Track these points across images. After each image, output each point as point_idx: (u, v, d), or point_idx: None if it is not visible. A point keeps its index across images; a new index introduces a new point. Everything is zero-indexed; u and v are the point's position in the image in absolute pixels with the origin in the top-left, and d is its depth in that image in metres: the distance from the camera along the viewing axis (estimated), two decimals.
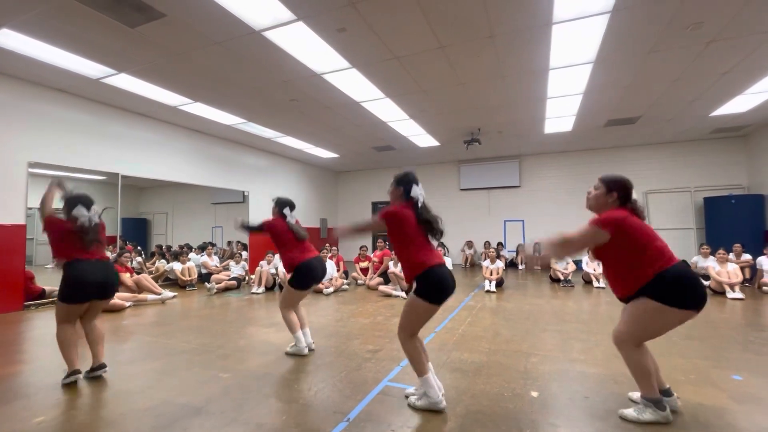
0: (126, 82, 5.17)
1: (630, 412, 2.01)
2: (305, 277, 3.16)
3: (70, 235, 2.57)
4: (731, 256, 6.39)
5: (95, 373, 2.65)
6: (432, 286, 2.10)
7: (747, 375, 2.59)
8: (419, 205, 2.26)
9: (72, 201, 2.65)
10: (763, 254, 6.04)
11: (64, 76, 4.94)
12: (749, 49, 4.44)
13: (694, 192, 8.97)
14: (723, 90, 5.74)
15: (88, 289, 2.56)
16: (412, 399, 2.19)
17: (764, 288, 5.79)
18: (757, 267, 6.11)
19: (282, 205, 3.33)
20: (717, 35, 4.11)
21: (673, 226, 9.02)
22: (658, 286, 1.85)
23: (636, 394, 2.11)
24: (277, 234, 3.23)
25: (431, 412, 2.12)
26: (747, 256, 6.54)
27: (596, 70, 4.95)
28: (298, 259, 3.14)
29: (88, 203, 2.68)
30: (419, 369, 2.14)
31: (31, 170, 5.15)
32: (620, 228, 1.90)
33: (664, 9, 3.63)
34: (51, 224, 2.60)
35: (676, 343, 3.23)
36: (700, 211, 8.78)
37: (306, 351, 3.14)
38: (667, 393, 2.07)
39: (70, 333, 2.61)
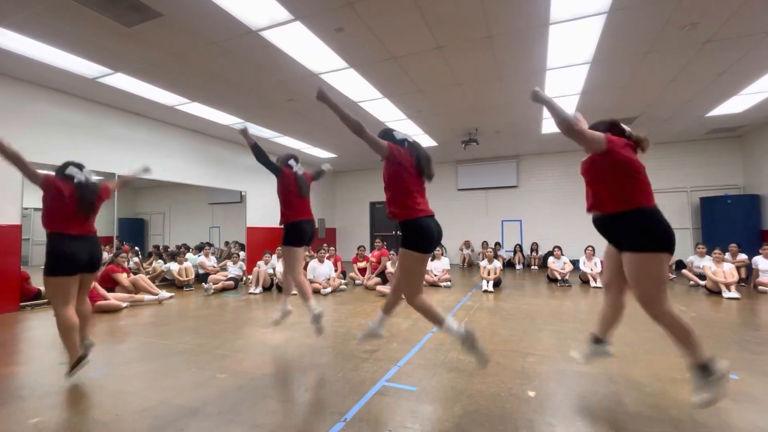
0: (123, 81, 5.15)
1: (703, 397, 1.88)
2: (296, 233, 3.25)
3: (64, 200, 2.50)
4: (727, 255, 6.42)
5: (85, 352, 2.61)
6: (419, 235, 2.22)
7: (743, 374, 2.60)
8: (414, 144, 2.44)
9: (62, 166, 2.65)
10: (759, 254, 6.08)
11: (60, 75, 4.92)
12: (745, 50, 4.46)
13: (691, 192, 9.01)
14: (719, 90, 5.77)
15: (75, 259, 2.50)
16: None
17: (760, 288, 5.83)
18: (753, 267, 6.14)
19: (286, 158, 3.42)
20: (713, 36, 4.13)
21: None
22: (645, 220, 1.94)
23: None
24: (284, 183, 3.27)
25: (428, 412, 2.12)
26: (743, 256, 6.57)
27: (593, 70, 4.97)
28: (292, 217, 3.25)
29: (79, 165, 2.69)
30: (437, 320, 2.28)
31: None
32: (617, 146, 1.98)
33: (661, 9, 3.65)
34: (48, 183, 2.51)
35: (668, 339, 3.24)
36: (697, 211, 8.83)
37: (319, 313, 3.16)
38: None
39: (72, 316, 2.51)
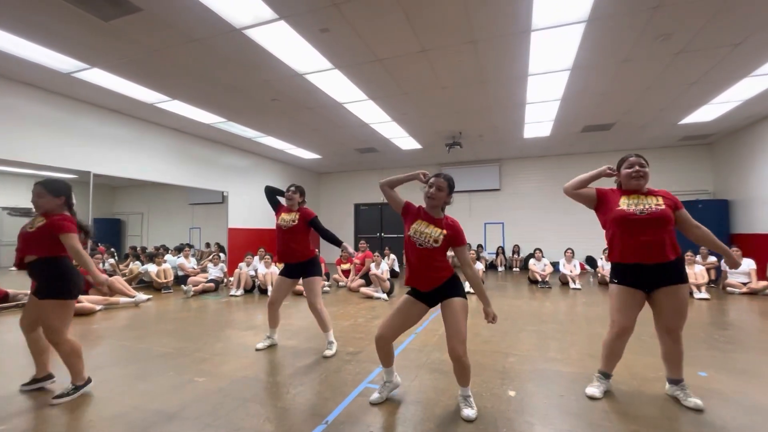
0: (99, 77, 4.99)
1: (695, 401, 2.14)
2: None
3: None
4: (698, 258, 6.68)
5: (40, 384, 2.47)
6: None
7: (712, 371, 2.71)
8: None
9: (67, 188, 2.45)
10: None
11: (32, 69, 4.73)
12: (714, 61, 4.67)
13: None
14: (690, 99, 6.01)
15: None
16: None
17: (728, 289, 6.08)
18: (722, 269, 6.41)
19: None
20: (685, 47, 4.31)
21: None
22: (682, 264, 2.16)
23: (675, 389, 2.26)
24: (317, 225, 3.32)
25: (410, 413, 2.12)
26: (712, 258, 6.86)
27: (573, 77, 5.11)
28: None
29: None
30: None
31: None
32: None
33: (636, 20, 3.78)
34: (70, 221, 2.38)
35: (645, 341, 3.35)
36: None
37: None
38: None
39: (74, 339, 2.40)
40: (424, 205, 2.23)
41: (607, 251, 2.33)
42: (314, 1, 3.45)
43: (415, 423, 2.02)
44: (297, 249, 3.22)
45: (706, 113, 6.68)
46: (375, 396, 2.27)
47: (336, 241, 3.25)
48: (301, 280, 3.30)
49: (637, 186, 2.23)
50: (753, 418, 2.06)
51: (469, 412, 2.06)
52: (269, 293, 3.59)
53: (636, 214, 2.13)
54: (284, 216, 3.26)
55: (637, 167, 2.23)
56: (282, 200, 3.41)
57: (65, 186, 2.45)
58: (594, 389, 2.33)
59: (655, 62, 4.71)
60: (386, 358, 2.26)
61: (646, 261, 2.10)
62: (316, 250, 3.40)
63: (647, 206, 2.14)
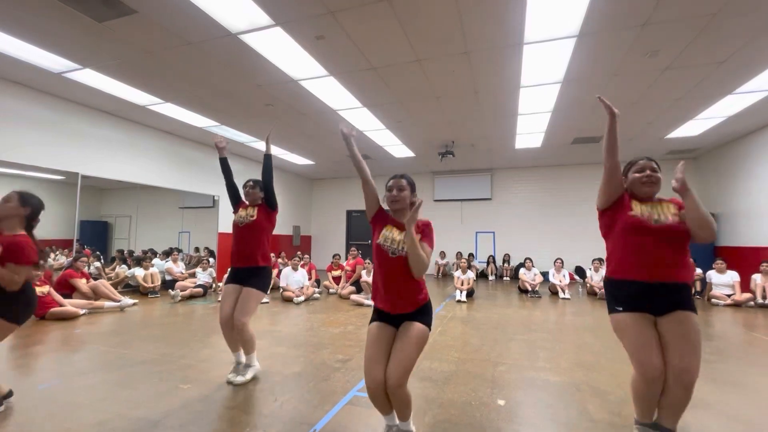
0: (91, 78, 4.94)
1: None
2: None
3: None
4: None
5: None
6: None
7: (698, 382, 2.73)
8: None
9: (38, 203, 2.26)
10: (713, 269, 6.47)
11: (22, 68, 4.66)
12: (699, 78, 4.81)
13: None
14: (676, 114, 6.16)
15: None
16: None
17: (713, 300, 6.19)
18: (707, 280, 6.52)
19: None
20: (671, 63, 4.43)
21: None
22: (690, 292, 1.82)
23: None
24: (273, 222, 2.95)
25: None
26: (698, 271, 6.97)
27: (564, 89, 5.21)
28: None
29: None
30: None
31: None
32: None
33: (625, 36, 3.89)
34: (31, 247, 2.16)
35: None
36: None
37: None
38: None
39: None
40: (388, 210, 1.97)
41: (605, 263, 1.92)
42: (310, 9, 3.48)
43: None
44: (250, 250, 2.76)
45: (692, 128, 6.85)
46: None
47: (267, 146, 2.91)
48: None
49: (649, 193, 1.91)
50: (735, 427, 2.08)
51: None
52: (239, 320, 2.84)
53: (651, 223, 1.80)
54: (241, 212, 2.86)
55: (648, 172, 1.91)
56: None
57: (38, 201, 2.28)
58: None
59: (643, 77, 4.83)
60: (385, 404, 1.78)
61: (654, 278, 1.76)
62: (273, 260, 2.98)
63: (663, 215, 1.83)
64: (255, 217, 2.80)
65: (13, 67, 4.67)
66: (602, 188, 1.94)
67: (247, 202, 2.95)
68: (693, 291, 6.01)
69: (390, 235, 1.84)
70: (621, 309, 1.83)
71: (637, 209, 1.86)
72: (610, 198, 1.93)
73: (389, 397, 1.74)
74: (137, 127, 6.88)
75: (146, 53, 4.30)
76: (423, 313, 1.83)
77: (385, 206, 1.99)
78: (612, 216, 1.92)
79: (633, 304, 1.80)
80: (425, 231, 1.87)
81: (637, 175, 1.94)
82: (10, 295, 2.09)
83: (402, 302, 1.80)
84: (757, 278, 6.08)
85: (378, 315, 1.88)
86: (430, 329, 1.83)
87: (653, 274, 1.76)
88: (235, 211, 2.92)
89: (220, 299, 2.87)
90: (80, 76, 4.90)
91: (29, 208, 2.22)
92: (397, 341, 1.78)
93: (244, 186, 2.95)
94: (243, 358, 2.78)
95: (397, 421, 1.84)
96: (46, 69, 4.70)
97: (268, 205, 2.90)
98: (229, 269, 2.89)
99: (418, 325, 1.78)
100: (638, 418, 1.88)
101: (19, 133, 5.18)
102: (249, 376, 2.69)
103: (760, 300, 5.88)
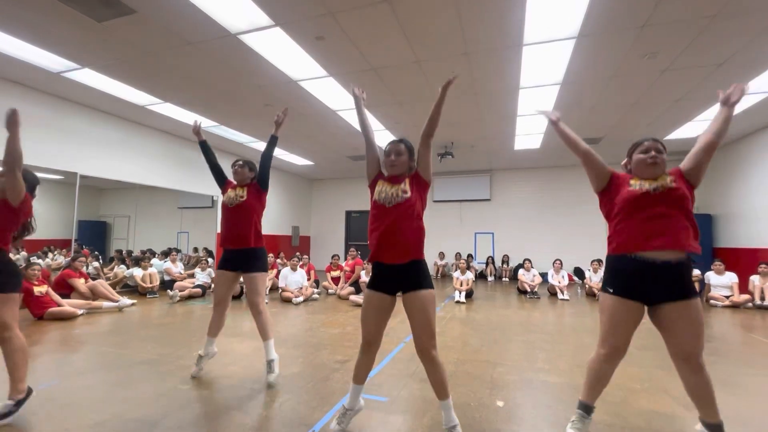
0: (90, 77, 4.93)
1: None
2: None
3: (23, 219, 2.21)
4: None
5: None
6: None
7: None
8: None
9: (32, 178, 2.28)
10: (711, 270, 6.48)
11: (21, 68, 4.66)
12: (698, 80, 4.83)
13: None
14: (675, 116, 6.18)
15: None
16: None
17: (711, 301, 6.20)
18: (705, 282, 6.53)
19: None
20: (670, 65, 4.45)
21: None
22: (690, 271, 1.79)
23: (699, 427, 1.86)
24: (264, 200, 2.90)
25: (398, 423, 2.10)
26: (696, 272, 6.97)
27: (563, 91, 5.22)
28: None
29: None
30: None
31: None
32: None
33: (624, 38, 3.90)
34: (27, 202, 2.21)
35: (631, 353, 3.36)
36: None
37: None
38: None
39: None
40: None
41: (607, 244, 1.92)
42: (310, 9, 3.48)
43: None
44: (243, 232, 2.73)
45: (690, 130, 6.87)
46: (334, 426, 1.96)
47: (273, 141, 2.95)
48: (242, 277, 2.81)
49: (654, 175, 1.84)
50: (733, 427, 2.09)
51: None
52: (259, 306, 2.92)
53: (650, 191, 1.77)
54: (230, 193, 2.80)
55: (653, 153, 1.84)
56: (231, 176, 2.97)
57: (33, 176, 2.28)
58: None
59: (642, 79, 4.84)
60: (366, 369, 1.98)
61: (657, 247, 1.71)
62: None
63: (661, 184, 1.79)
64: (245, 198, 2.77)
65: (11, 67, 4.66)
66: (588, 173, 2.00)
67: (235, 182, 2.90)
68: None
69: (384, 189, 1.95)
70: (611, 291, 1.84)
71: (636, 184, 1.84)
72: (597, 177, 1.96)
73: (425, 366, 1.87)
74: (136, 126, 6.88)
75: (145, 53, 4.29)
76: (422, 274, 1.90)
77: (385, 172, 2.08)
78: (610, 195, 1.92)
79: (626, 288, 1.79)
80: (418, 175, 2.06)
81: (642, 155, 1.88)
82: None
83: (400, 248, 1.87)
84: (755, 279, 6.09)
85: (376, 278, 1.95)
86: (433, 288, 1.90)
87: (652, 243, 1.72)
88: (224, 192, 2.87)
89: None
90: (79, 76, 4.90)
91: (25, 183, 2.22)
92: (413, 314, 1.86)
93: (233, 165, 2.90)
94: (215, 347, 2.84)
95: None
96: (45, 68, 4.69)
97: (260, 185, 2.86)
98: (223, 252, 2.83)
99: (424, 292, 1.86)
100: (581, 398, 1.94)
101: None
102: (276, 370, 2.68)
103: (758, 301, 5.90)
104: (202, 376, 2.78)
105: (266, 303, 5.91)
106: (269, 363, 2.69)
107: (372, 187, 2.05)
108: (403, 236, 1.88)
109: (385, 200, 1.91)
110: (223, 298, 2.78)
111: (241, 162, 2.88)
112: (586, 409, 1.92)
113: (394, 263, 1.89)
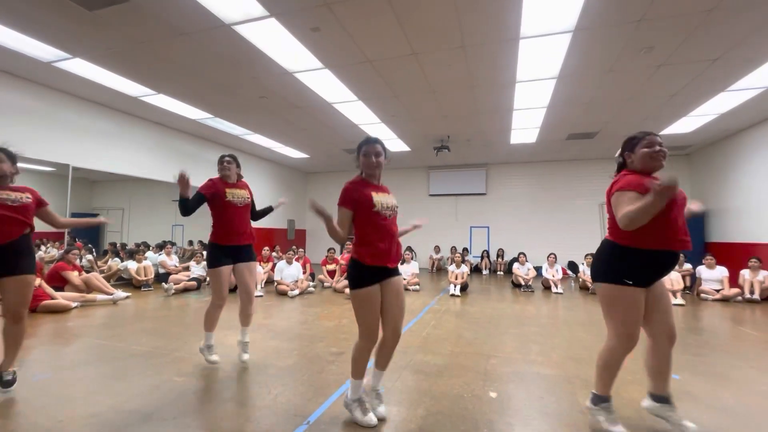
0: (81, 67, 4.85)
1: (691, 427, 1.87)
2: None
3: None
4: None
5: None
6: None
7: (685, 374, 2.79)
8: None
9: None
10: (702, 264, 6.56)
11: (10, 57, 4.57)
12: (693, 75, 4.84)
13: None
14: (671, 111, 6.21)
15: None
16: None
17: (702, 295, 6.29)
18: (697, 276, 6.62)
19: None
20: (666, 60, 4.45)
21: None
22: None
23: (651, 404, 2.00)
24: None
25: (392, 414, 2.12)
26: (688, 266, 7.07)
27: (559, 85, 5.21)
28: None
29: None
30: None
31: None
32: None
33: (620, 32, 3.89)
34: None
35: None
36: None
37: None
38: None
39: None
40: (363, 177, 2.08)
41: (608, 231, 1.93)
42: (305, 0, 3.43)
43: (397, 423, 2.02)
44: (249, 229, 2.95)
45: (685, 125, 6.91)
46: (370, 418, 1.98)
47: (267, 211, 3.22)
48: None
49: (658, 168, 1.86)
50: (723, 419, 2.13)
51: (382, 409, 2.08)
52: (254, 294, 3.17)
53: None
54: (235, 191, 2.87)
55: (658, 147, 1.87)
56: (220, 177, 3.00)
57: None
58: (619, 428, 1.89)
59: (638, 73, 4.85)
60: (365, 365, 2.06)
61: (679, 246, 1.78)
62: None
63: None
64: (250, 198, 3.00)
65: (0, 56, 4.56)
66: (645, 219, 1.66)
67: (229, 181, 2.94)
68: (684, 286, 6.12)
69: (381, 200, 2.02)
70: (631, 283, 1.80)
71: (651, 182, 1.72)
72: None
73: (390, 349, 2.05)
74: (129, 118, 6.79)
75: (138, 43, 4.22)
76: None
77: (365, 173, 2.12)
78: (641, 198, 1.74)
79: (648, 280, 1.82)
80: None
81: (647, 150, 1.88)
82: (30, 249, 2.35)
83: (397, 255, 2.07)
84: (745, 274, 6.18)
85: (372, 275, 1.98)
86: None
87: (677, 242, 1.78)
88: (217, 191, 2.86)
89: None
90: (70, 66, 4.81)
91: (17, 166, 2.39)
92: (391, 297, 2.01)
93: (221, 160, 2.92)
94: (212, 341, 2.91)
95: (380, 387, 2.15)
96: (35, 58, 4.60)
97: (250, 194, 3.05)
98: (218, 249, 2.85)
99: (399, 278, 2.09)
100: (600, 391, 1.98)
101: (7, 124, 5.08)
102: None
103: (748, 295, 5.99)
104: (197, 368, 2.78)
105: (261, 296, 5.94)
106: (243, 343, 2.99)
107: (359, 204, 2.01)
108: (397, 245, 2.09)
109: (387, 213, 2.03)
110: (227, 293, 2.94)
111: (228, 158, 2.95)
112: (607, 400, 1.98)
113: (394, 267, 2.07)
